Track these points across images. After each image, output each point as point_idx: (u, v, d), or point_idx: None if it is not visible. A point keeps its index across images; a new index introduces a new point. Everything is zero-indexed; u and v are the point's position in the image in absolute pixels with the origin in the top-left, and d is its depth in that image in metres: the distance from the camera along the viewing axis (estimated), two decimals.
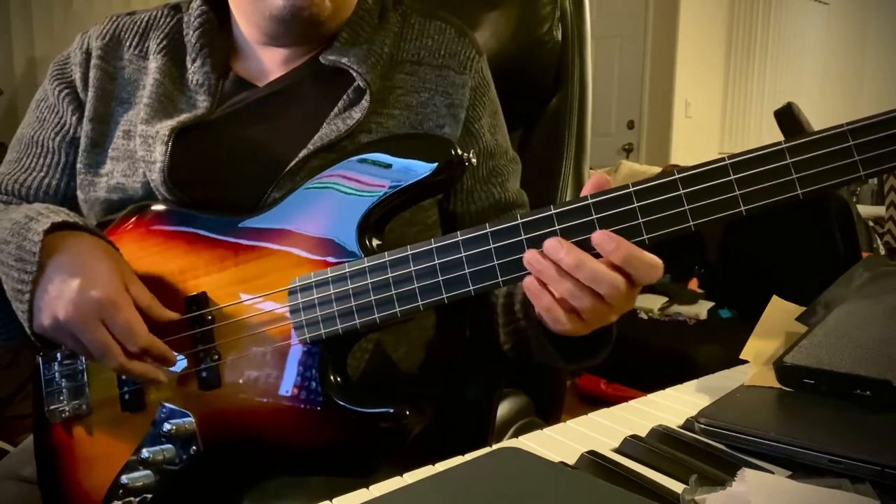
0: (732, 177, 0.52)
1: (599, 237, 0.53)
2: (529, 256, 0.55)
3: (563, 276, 0.54)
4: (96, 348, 0.62)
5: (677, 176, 0.53)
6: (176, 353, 0.67)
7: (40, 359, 0.73)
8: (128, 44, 0.82)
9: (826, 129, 0.51)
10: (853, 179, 0.50)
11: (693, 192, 0.53)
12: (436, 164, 0.63)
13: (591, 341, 0.63)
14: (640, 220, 0.54)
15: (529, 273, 0.56)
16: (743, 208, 0.52)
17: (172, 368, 0.68)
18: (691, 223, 0.53)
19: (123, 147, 0.78)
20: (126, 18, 0.84)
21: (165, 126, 0.74)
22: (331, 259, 0.65)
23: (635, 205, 0.54)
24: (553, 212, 0.56)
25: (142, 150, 0.75)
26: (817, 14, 5.89)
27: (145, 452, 0.67)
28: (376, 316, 0.62)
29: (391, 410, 0.63)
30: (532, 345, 0.67)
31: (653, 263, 0.54)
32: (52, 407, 0.72)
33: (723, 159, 0.53)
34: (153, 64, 0.80)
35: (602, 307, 0.55)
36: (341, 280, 0.63)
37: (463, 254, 0.59)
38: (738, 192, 0.52)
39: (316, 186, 0.68)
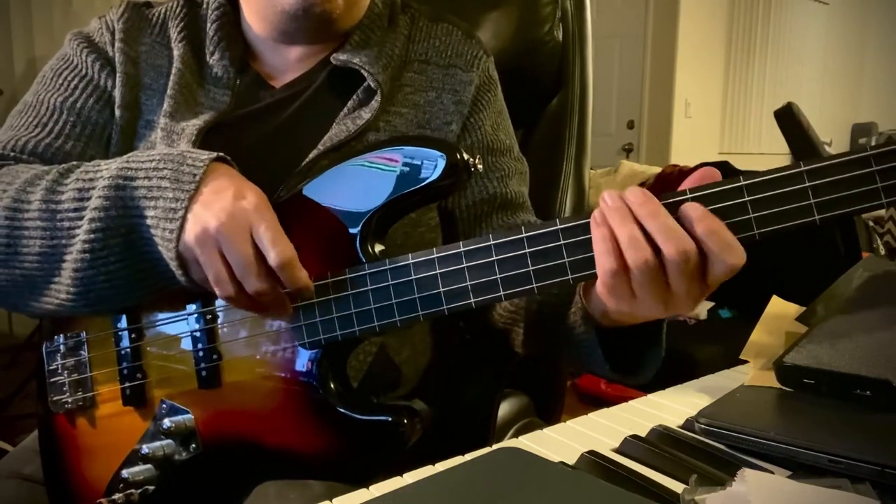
0: (747, 198, 0.51)
1: (688, 206, 0.51)
2: (606, 195, 0.53)
3: (631, 220, 0.52)
4: (239, 261, 0.59)
5: (689, 196, 0.52)
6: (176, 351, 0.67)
7: (44, 350, 0.74)
8: (148, 31, 0.82)
9: (848, 153, 0.50)
10: (874, 207, 0.49)
11: None
12: (441, 169, 0.63)
13: (636, 345, 0.63)
14: None
15: (533, 286, 0.56)
16: (756, 232, 0.51)
17: (176, 365, 0.68)
18: None
19: (145, 137, 0.77)
20: (143, 7, 0.84)
21: (192, 125, 0.74)
22: (333, 263, 0.64)
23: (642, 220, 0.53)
24: (559, 227, 0.56)
25: (163, 143, 0.75)
26: (817, 14, 5.90)
27: (146, 448, 0.67)
28: (375, 324, 0.62)
29: (389, 419, 0.63)
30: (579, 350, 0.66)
31: (732, 242, 0.50)
32: (56, 398, 0.72)
33: (738, 180, 0.51)
34: (175, 52, 0.80)
35: (658, 281, 0.52)
36: (341, 286, 0.63)
37: (465, 264, 0.58)
38: (752, 216, 0.51)
39: (319, 188, 0.67)
